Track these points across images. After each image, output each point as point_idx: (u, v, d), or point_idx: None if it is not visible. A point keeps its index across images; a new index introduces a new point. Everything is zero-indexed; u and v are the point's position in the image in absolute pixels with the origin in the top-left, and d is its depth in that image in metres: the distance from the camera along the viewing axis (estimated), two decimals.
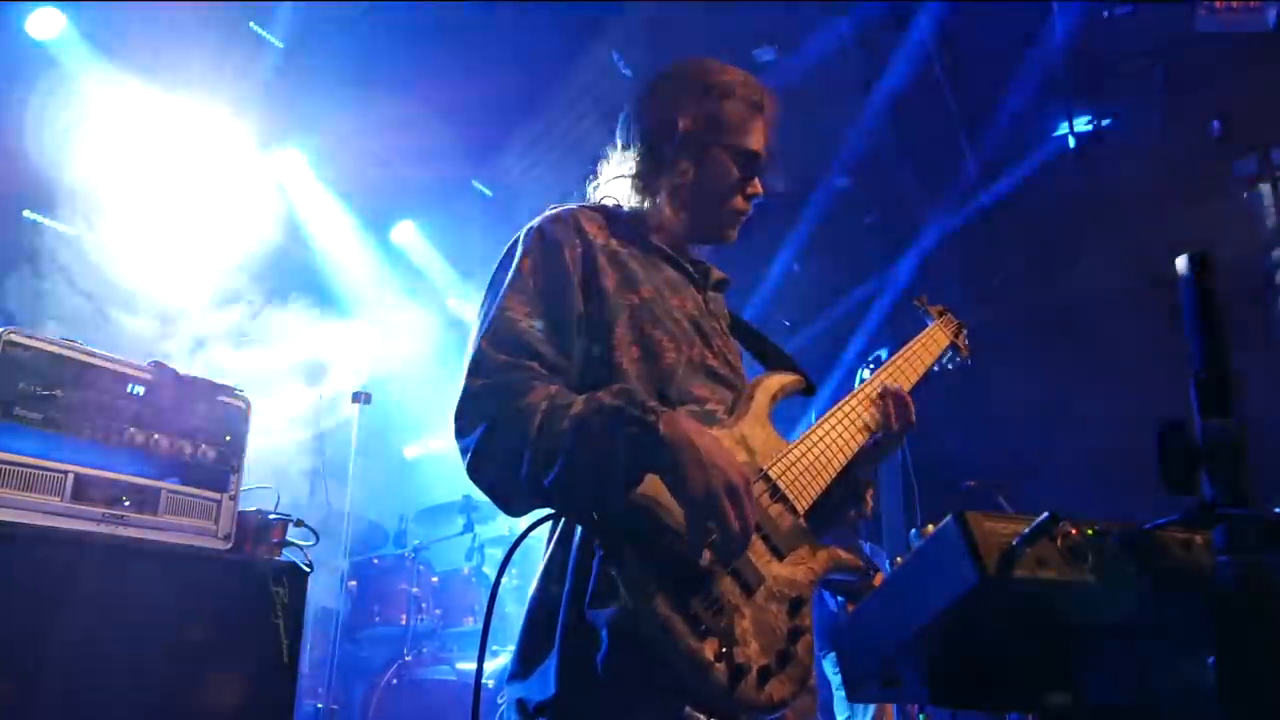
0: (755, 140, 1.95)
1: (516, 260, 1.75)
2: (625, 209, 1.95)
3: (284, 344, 5.31)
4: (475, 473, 1.59)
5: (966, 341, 2.48)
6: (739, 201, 1.97)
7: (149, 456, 2.37)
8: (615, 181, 1.98)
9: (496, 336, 1.64)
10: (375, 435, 5.62)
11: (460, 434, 1.60)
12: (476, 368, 1.62)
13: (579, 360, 1.70)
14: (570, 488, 1.48)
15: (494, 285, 1.77)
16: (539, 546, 1.72)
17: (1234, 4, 5.18)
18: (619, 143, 2.01)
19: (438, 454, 7.34)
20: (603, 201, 1.98)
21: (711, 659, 1.41)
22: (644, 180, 1.94)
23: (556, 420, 1.50)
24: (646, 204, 1.94)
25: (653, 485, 1.49)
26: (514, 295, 1.70)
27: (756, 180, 1.97)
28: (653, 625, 1.40)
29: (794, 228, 7.54)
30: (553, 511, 1.64)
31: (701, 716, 1.44)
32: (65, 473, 2.18)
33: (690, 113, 1.94)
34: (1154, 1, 5.72)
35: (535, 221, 1.83)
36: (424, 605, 5.25)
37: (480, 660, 1.50)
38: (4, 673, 1.97)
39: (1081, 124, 6.88)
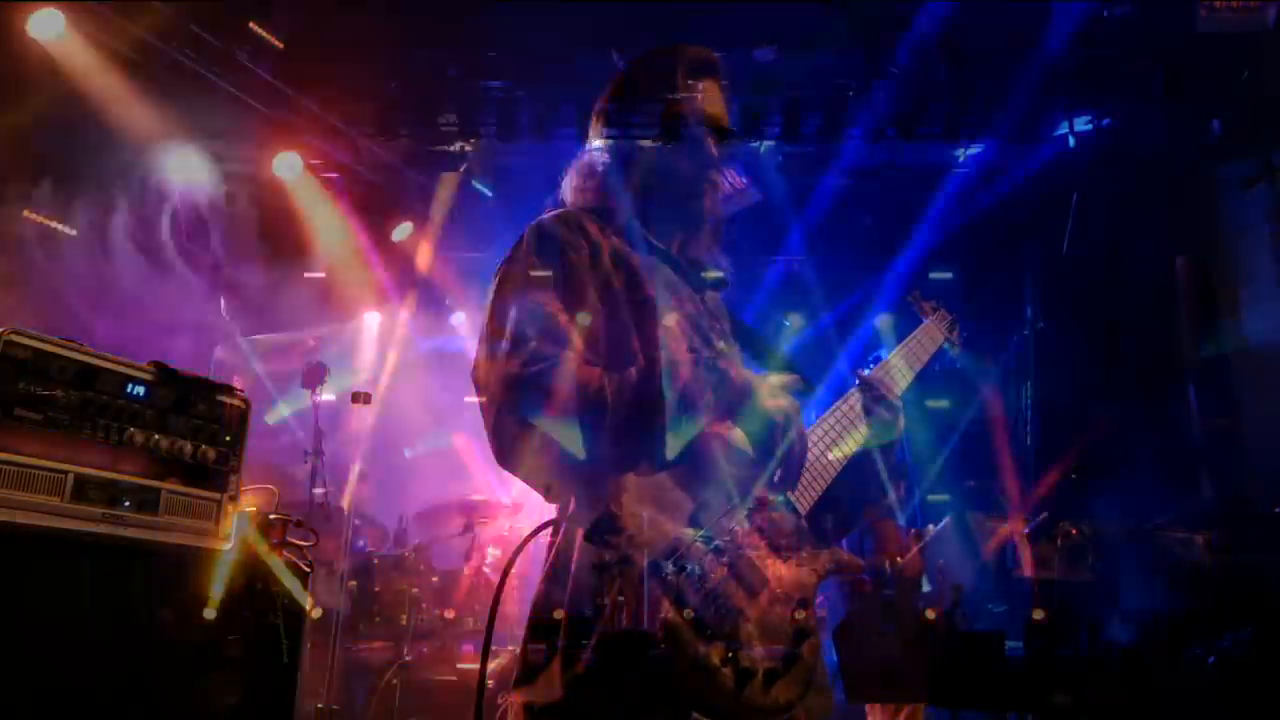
0: (688, 103, 1.86)
1: (527, 259, 1.74)
2: (619, 210, 1.93)
3: (284, 343, 5.31)
4: (544, 450, 1.57)
5: (959, 336, 2.48)
6: (687, 168, 1.88)
7: (149, 456, 2.37)
8: (588, 188, 1.96)
9: (537, 326, 1.64)
10: (375, 435, 5.61)
11: (515, 412, 1.57)
12: (524, 356, 1.59)
13: (602, 353, 1.70)
14: (656, 433, 1.55)
15: (506, 281, 1.75)
16: (540, 548, 1.72)
17: (1234, 4, 5.17)
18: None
19: (438, 454, 7.33)
20: (603, 205, 1.96)
21: (718, 663, 1.40)
22: (613, 178, 1.92)
23: (626, 385, 1.58)
24: (624, 203, 1.91)
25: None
26: (539, 291, 1.69)
27: (708, 140, 1.86)
28: (658, 629, 1.39)
29: (794, 227, 7.53)
30: (556, 516, 1.64)
31: None
32: (65, 473, 2.18)
33: (614, 106, 1.94)
34: (1154, 2, 5.72)
35: (539, 222, 1.82)
36: (424, 605, 5.24)
37: (483, 660, 1.50)
38: (3, 673, 1.97)
39: (1081, 124, 6.87)
